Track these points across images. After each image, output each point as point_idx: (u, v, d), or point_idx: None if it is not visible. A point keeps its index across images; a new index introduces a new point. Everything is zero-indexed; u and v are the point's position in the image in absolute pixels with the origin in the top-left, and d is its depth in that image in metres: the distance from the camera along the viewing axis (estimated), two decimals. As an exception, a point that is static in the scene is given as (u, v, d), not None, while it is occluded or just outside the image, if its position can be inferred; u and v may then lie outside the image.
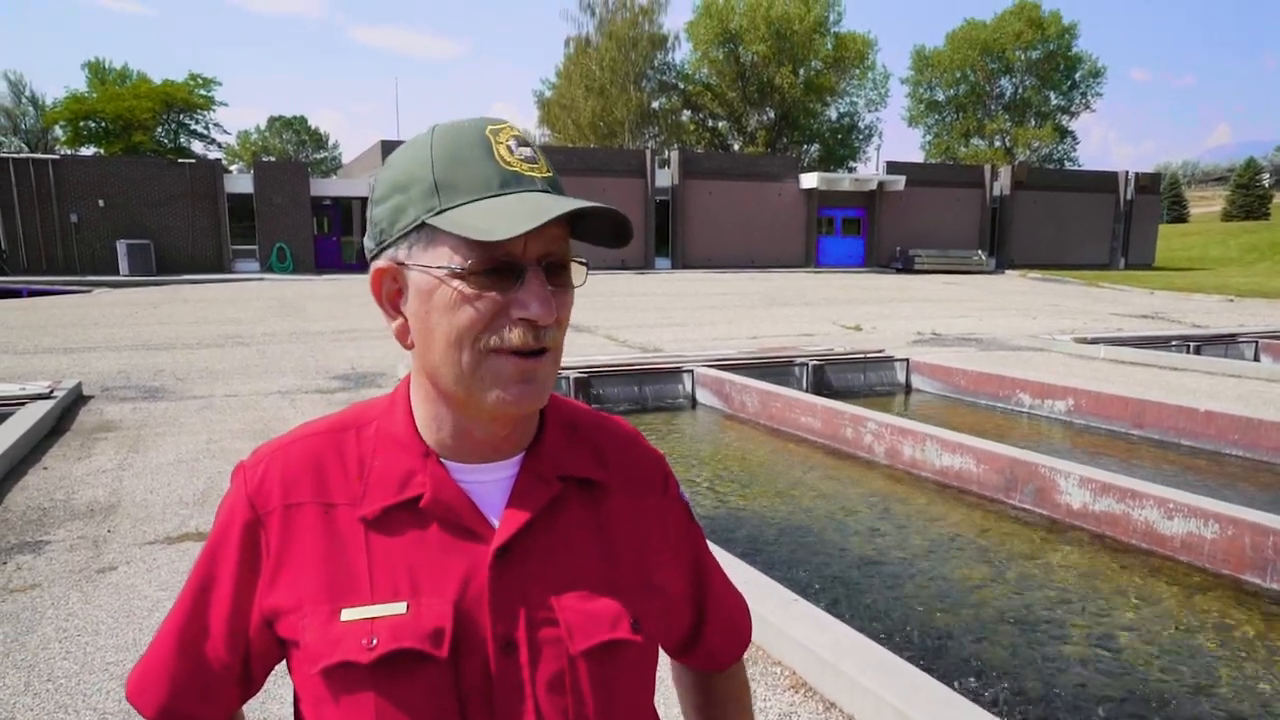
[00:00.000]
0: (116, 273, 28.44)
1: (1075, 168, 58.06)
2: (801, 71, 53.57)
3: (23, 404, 7.50)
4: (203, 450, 6.58)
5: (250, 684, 0.94)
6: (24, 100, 68.43)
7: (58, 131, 59.36)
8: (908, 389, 10.34)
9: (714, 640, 1.09)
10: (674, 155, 35.89)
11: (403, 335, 0.86)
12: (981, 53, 58.40)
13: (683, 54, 69.73)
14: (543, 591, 0.86)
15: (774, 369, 9.90)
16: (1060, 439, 8.07)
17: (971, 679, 3.68)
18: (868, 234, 37.67)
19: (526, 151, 0.84)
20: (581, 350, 11.71)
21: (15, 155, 30.26)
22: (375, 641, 0.81)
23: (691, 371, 9.60)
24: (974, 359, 11.10)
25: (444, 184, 0.80)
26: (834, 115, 58.63)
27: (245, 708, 1.02)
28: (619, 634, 0.87)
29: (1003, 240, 39.04)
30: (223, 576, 0.89)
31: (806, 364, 10.04)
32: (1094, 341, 12.53)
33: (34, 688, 3.20)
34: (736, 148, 56.33)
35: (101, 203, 29.18)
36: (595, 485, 0.93)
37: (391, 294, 0.85)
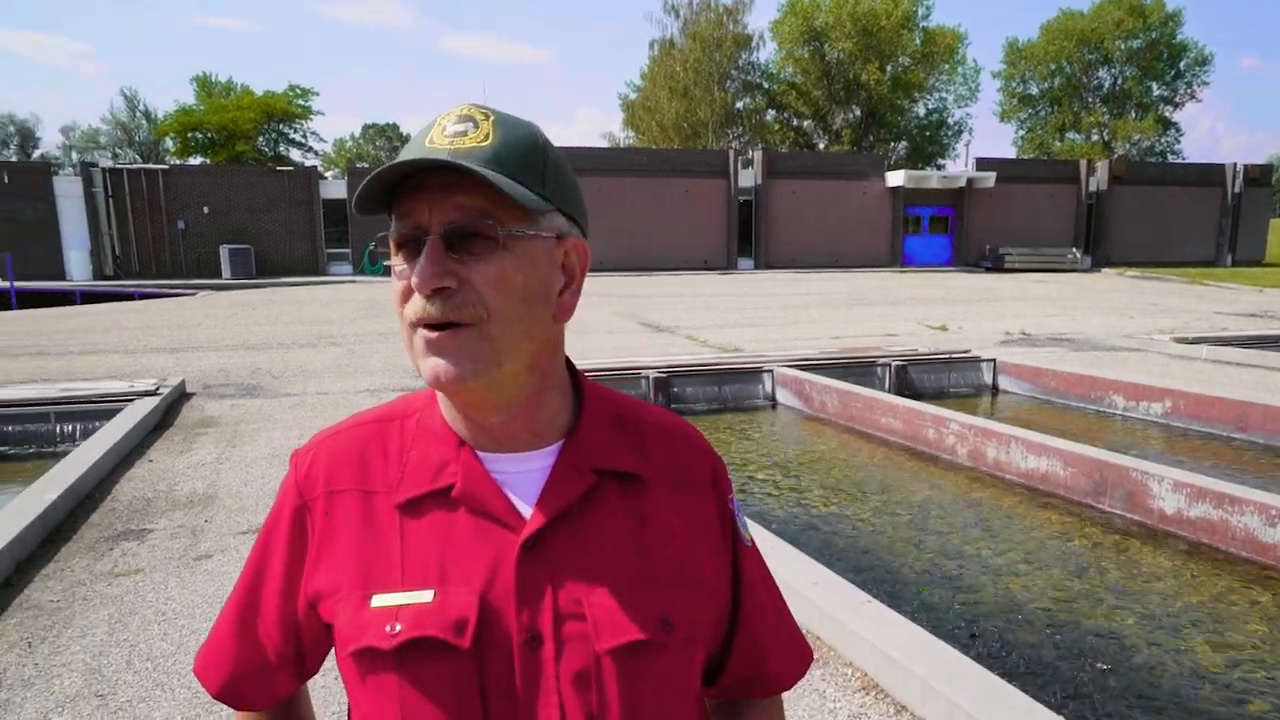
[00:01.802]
0: (219, 276, 29.67)
1: (1179, 161, 55.67)
2: (889, 68, 52.60)
3: (131, 400, 7.90)
4: (294, 445, 6.81)
5: (305, 665, 0.97)
6: (138, 114, 71.87)
7: (168, 143, 62.19)
8: (994, 390, 10.09)
9: (735, 670, 1.00)
10: (757, 155, 35.67)
11: None
12: (1078, 43, 56.42)
13: (767, 53, 69.29)
14: (571, 585, 0.84)
15: (855, 369, 9.77)
16: (1156, 442, 7.78)
17: (1055, 688, 3.60)
18: (955, 232, 36.81)
19: (458, 128, 0.82)
20: (662, 350, 11.75)
21: (129, 166, 31.84)
22: (398, 628, 0.82)
23: (771, 371, 9.55)
24: (1065, 359, 10.77)
25: (382, 163, 0.83)
26: (922, 112, 57.39)
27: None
28: (647, 634, 0.84)
29: (1099, 237, 37.70)
30: (274, 560, 0.93)
31: (889, 364, 9.89)
32: (1195, 341, 12.02)
33: (134, 665, 3.39)
34: (821, 147, 55.64)
35: (206, 210, 30.48)
36: (635, 479, 0.90)
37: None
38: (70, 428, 7.59)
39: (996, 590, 4.58)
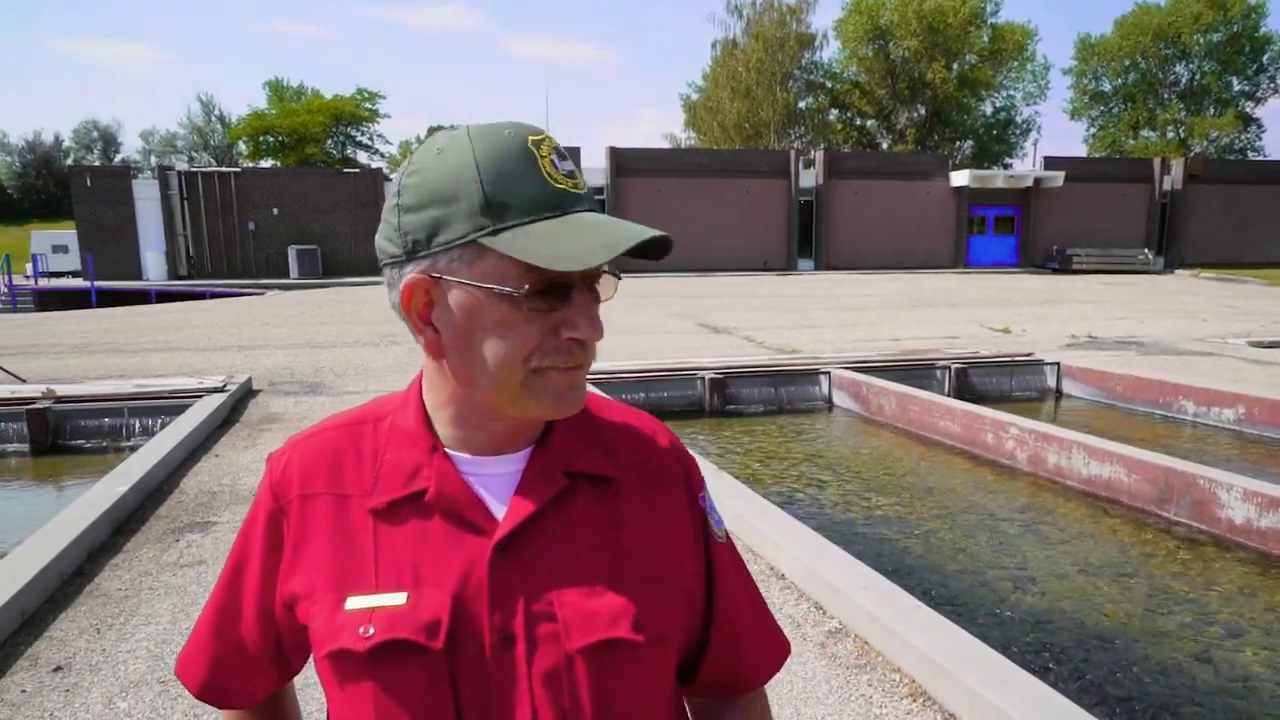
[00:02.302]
0: (287, 276, 30.41)
1: (1261, 158, 53.73)
2: (955, 66, 51.74)
3: (199, 397, 8.15)
4: (354, 442, 6.98)
5: (286, 665, 0.99)
6: (213, 119, 74.10)
7: (241, 146, 63.95)
8: (1058, 394, 9.87)
9: (711, 669, 1.00)
10: (819, 155, 35.38)
11: (435, 350, 0.86)
12: (1154, 38, 54.80)
13: (830, 53, 68.59)
14: (543, 586, 0.85)
15: (914, 372, 9.64)
16: (1227, 450, 7.53)
17: (1110, 700, 3.52)
18: (1022, 233, 36.06)
19: (568, 166, 0.84)
20: (718, 351, 11.73)
21: (203, 169, 32.83)
22: (371, 631, 0.83)
23: (829, 373, 9.48)
24: (1133, 363, 10.48)
25: (495, 201, 0.79)
26: (989, 110, 56.35)
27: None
28: (617, 633, 0.85)
29: (1173, 238, 36.62)
30: (251, 562, 0.94)
31: (948, 367, 9.74)
32: (1272, 345, 11.61)
33: (195, 654, 3.50)
34: (885, 146, 54.95)
35: (275, 211, 31.29)
36: (607, 481, 0.92)
37: (421, 306, 0.84)
38: (142, 423, 7.85)
39: (1051, 598, 4.49)
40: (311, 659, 0.92)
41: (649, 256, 0.84)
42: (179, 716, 3.04)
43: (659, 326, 15.20)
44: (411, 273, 0.82)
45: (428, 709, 0.83)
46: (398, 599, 0.84)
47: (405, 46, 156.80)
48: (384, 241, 0.85)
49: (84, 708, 3.09)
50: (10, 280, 26.50)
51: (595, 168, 33.04)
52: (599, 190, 33.02)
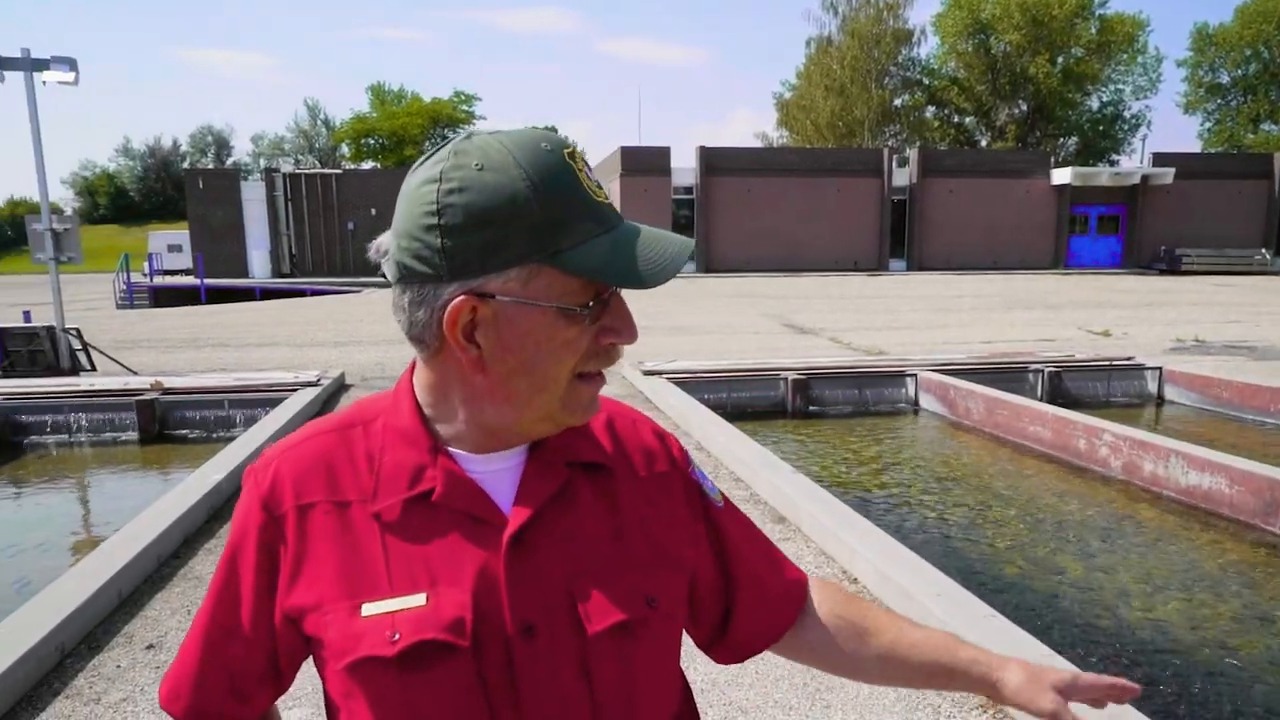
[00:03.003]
0: (384, 275, 31.28)
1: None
2: (1060, 59, 50.02)
3: (295, 390, 8.46)
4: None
5: (279, 682, 0.96)
6: (318, 122, 76.78)
7: (343, 148, 66.11)
8: (1159, 400, 9.45)
9: (744, 626, 1.05)
10: (913, 153, 34.67)
11: (476, 366, 0.83)
12: (1279, 26, 51.99)
13: (928, 48, 67.05)
14: (558, 576, 0.87)
15: (1005, 375, 9.37)
16: (1342, 462, 7.10)
17: None
18: (1126, 232, 34.64)
19: (594, 177, 0.84)
20: (803, 352, 11.62)
21: (307, 171, 34.09)
22: (398, 635, 0.82)
23: (915, 375, 9.28)
24: (1243, 369, 9.97)
25: (555, 222, 0.78)
26: (1095, 105, 54.28)
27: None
28: (633, 612, 0.88)
29: (1294, 237, 34.65)
30: (244, 580, 0.91)
31: (1041, 370, 9.43)
32: (1399, 352, 10.90)
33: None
34: (984, 144, 53.49)
35: (374, 211, 32.27)
36: (602, 469, 0.94)
37: (465, 324, 0.81)
38: (242, 414, 8.19)
39: (1140, 614, 4.31)
40: (314, 673, 0.91)
41: None
42: (259, 696, 3.17)
43: (745, 327, 15.12)
44: (456, 293, 0.80)
45: (461, 708, 0.84)
46: (417, 600, 0.84)
47: (502, 49, 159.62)
48: (411, 260, 0.81)
49: (172, 684, 3.25)
50: (129, 278, 27.94)
51: (685, 167, 33.03)
52: (688, 189, 33.00)
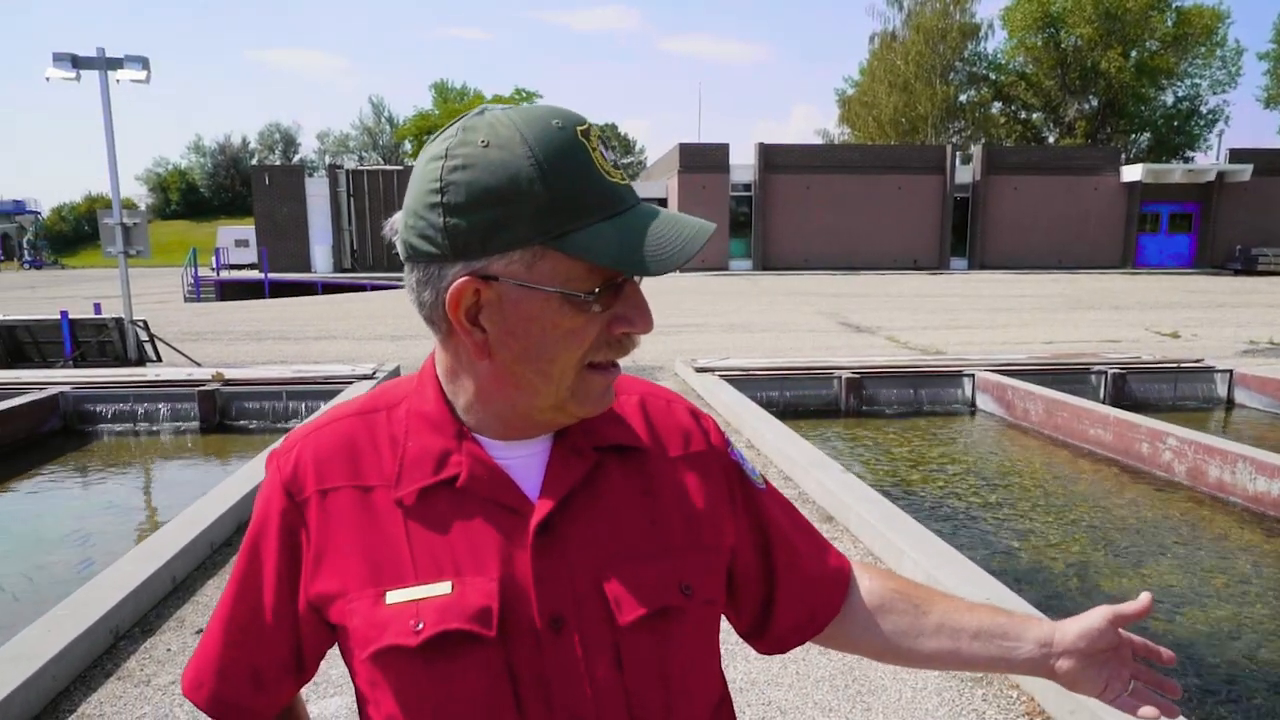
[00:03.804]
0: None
1: None
2: (1133, 53, 48.60)
3: (351, 383, 8.61)
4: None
5: (303, 670, 0.94)
6: (383, 120, 78.08)
7: (406, 145, 67.12)
8: (1229, 404, 9.13)
9: (787, 615, 1.00)
10: (977, 150, 34.03)
11: (481, 350, 0.81)
12: (1364, 19, 49.86)
13: (995, 43, 65.78)
14: (587, 564, 0.84)
15: (1066, 377, 9.13)
16: None
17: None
18: (1200, 231, 33.56)
19: (613, 155, 0.80)
20: (859, 351, 11.47)
21: (369, 168, 34.66)
22: (422, 625, 0.80)
23: (972, 376, 9.10)
24: (1319, 373, 9.58)
25: (560, 203, 0.74)
26: (1170, 100, 52.63)
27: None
28: (667, 601, 0.85)
29: (1381, 237, 33.23)
30: (266, 567, 0.89)
31: (1105, 372, 9.16)
32: None
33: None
34: (1051, 140, 52.25)
35: (433, 207, 32.69)
36: (635, 451, 0.91)
37: (469, 307, 0.79)
38: (300, 405, 8.36)
39: (1202, 623, 4.16)
40: (341, 661, 0.89)
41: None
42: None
43: (800, 324, 14.98)
44: (459, 274, 0.77)
45: (487, 700, 0.81)
46: (442, 589, 0.81)
47: (564, 47, 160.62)
48: (417, 239, 0.79)
49: (219, 668, 3.32)
50: (196, 272, 28.71)
51: (744, 164, 32.86)
52: (747, 186, 32.82)
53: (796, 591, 1.00)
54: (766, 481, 1.02)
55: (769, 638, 1.03)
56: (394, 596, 0.82)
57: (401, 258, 0.83)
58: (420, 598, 0.81)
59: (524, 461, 0.87)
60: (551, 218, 0.75)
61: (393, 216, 0.85)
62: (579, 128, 0.77)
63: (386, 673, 0.82)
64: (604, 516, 0.86)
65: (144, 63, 11.73)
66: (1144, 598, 0.97)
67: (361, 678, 0.86)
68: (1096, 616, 0.96)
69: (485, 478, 0.84)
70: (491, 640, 0.80)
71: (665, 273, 0.75)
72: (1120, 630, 0.97)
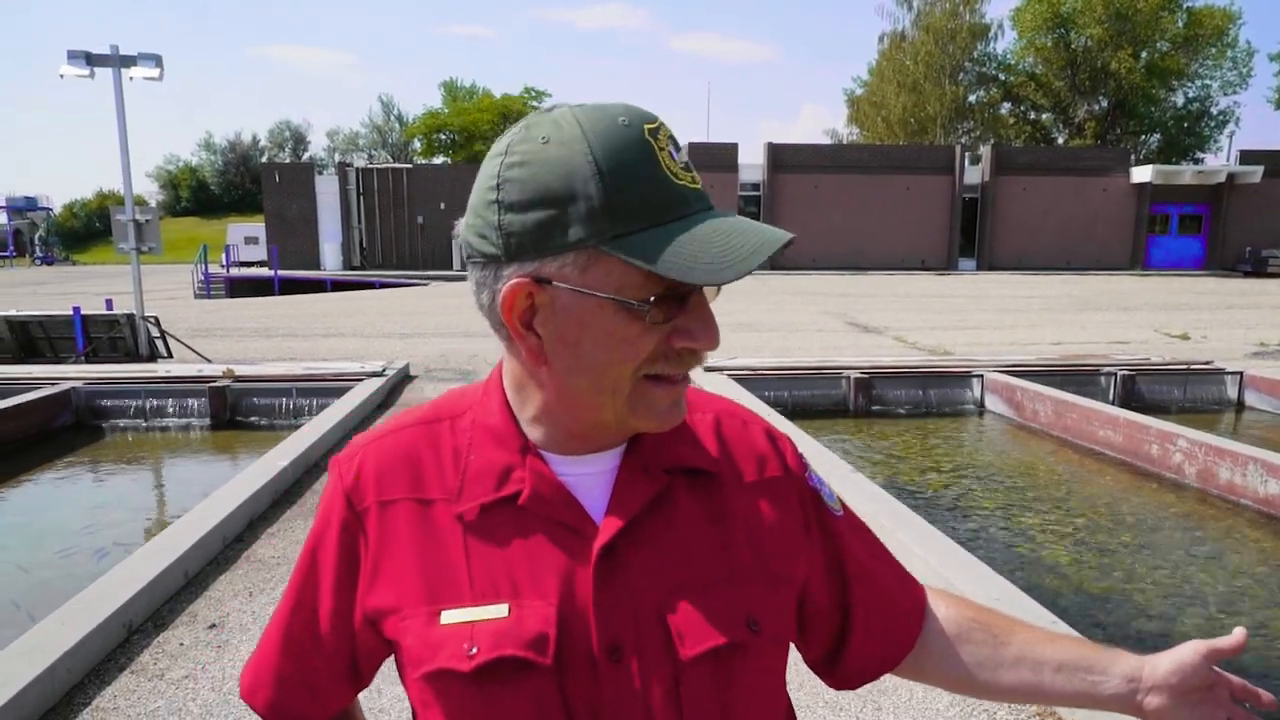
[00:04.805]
0: (451, 268, 31.72)
1: None
2: (1143, 54, 48.40)
3: (360, 380, 8.63)
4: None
5: (359, 680, 0.92)
6: (392, 118, 78.15)
7: (415, 144, 67.23)
8: (1239, 406, 9.11)
9: (862, 650, 0.94)
10: (986, 150, 33.97)
11: (537, 357, 0.78)
12: (1376, 20, 49.57)
13: (1005, 43, 65.60)
14: (651, 592, 0.80)
15: (1075, 378, 9.11)
16: None
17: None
18: (1210, 232, 33.45)
19: (684, 157, 0.76)
20: (867, 351, 11.46)
21: (378, 166, 34.77)
22: (475, 649, 0.77)
23: (981, 376, 9.09)
24: (1330, 376, 9.54)
25: (617, 204, 0.70)
26: (1180, 101, 52.42)
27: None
28: (734, 636, 0.80)
29: (1393, 239, 33.06)
30: (324, 576, 0.87)
31: (1114, 373, 9.15)
32: None
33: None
34: (1060, 141, 52.08)
35: (442, 205, 32.74)
36: (706, 475, 0.86)
37: (522, 311, 0.76)
38: (309, 402, 8.38)
39: (1211, 627, 4.16)
40: (397, 674, 0.87)
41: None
42: (314, 677, 3.24)
43: (808, 324, 14.98)
44: (513, 275, 0.74)
45: None
46: (498, 611, 0.78)
47: (572, 45, 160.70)
48: (475, 238, 0.77)
49: (232, 664, 3.34)
50: (206, 269, 28.80)
51: (752, 164, 32.87)
52: (755, 186, 32.81)
53: (873, 625, 0.94)
54: (844, 506, 0.97)
55: (840, 673, 0.97)
56: (449, 616, 0.79)
57: (464, 258, 0.81)
58: (476, 619, 0.78)
59: (590, 480, 0.83)
60: (607, 219, 0.71)
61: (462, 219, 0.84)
62: (647, 126, 0.74)
63: (438, 695, 0.80)
64: (670, 542, 0.82)
65: (157, 60, 11.79)
66: (1238, 632, 0.91)
67: (414, 695, 0.84)
68: (1189, 651, 0.90)
69: (548, 496, 0.81)
70: (547, 668, 0.77)
71: (723, 283, 0.71)
72: (1215, 668, 0.90)
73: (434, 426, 0.87)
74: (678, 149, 0.75)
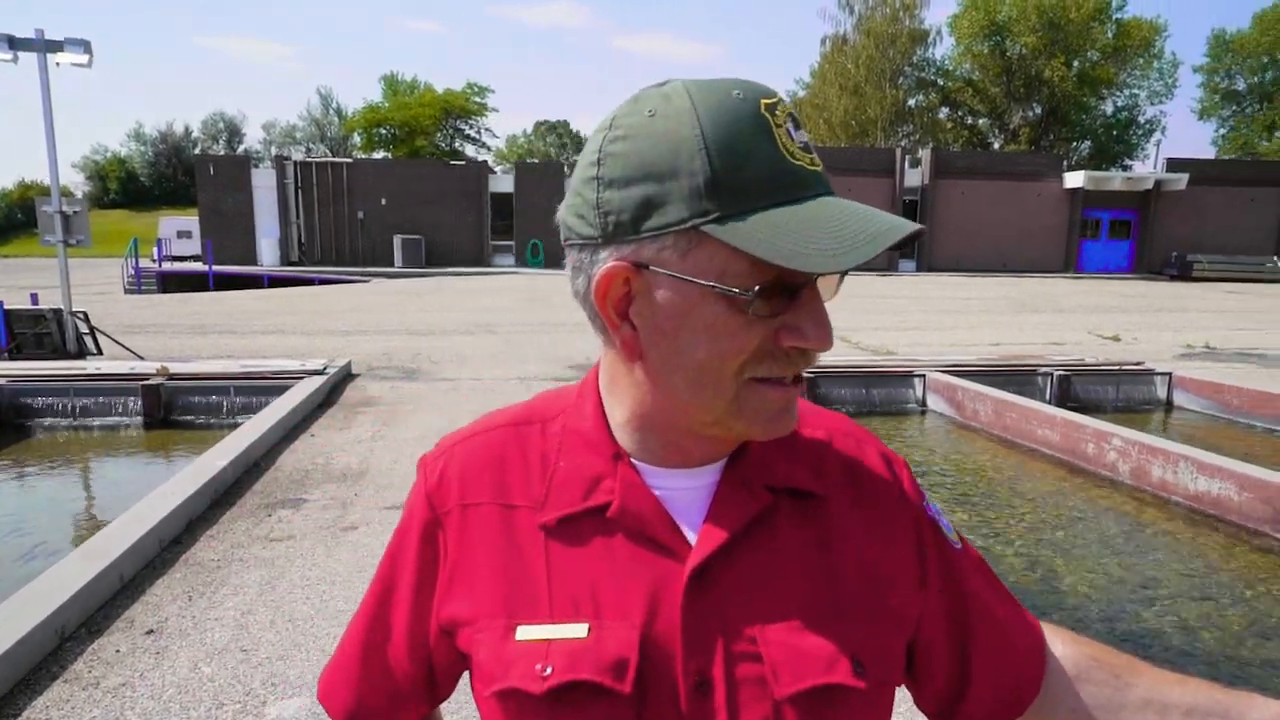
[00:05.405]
0: (392, 265, 31.32)
1: None
2: (1075, 63, 49.76)
3: (300, 378, 8.45)
4: (444, 428, 7.13)
5: (438, 691, 0.87)
6: (331, 111, 76.88)
7: (355, 138, 66.16)
8: (1168, 406, 9.40)
9: (984, 697, 0.84)
10: (926, 154, 34.58)
11: (632, 350, 0.72)
12: (1296, 35, 51.62)
13: (943, 49, 66.83)
14: (745, 621, 0.73)
15: (1014, 378, 9.31)
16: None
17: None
18: (1138, 237, 34.52)
19: (804, 137, 0.69)
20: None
21: (317, 159, 34.06)
22: (549, 670, 0.72)
23: (923, 376, 9.24)
24: (1252, 376, 9.90)
25: (725, 182, 0.64)
26: (1110, 109, 54.01)
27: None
28: (836, 678, 0.72)
29: (1308, 246, 34.46)
30: (403, 580, 0.84)
31: (1051, 374, 9.37)
32: None
33: (277, 625, 3.63)
34: (997, 146, 53.27)
35: (383, 201, 32.26)
36: (813, 498, 0.79)
37: (618, 299, 0.71)
38: (247, 401, 8.19)
39: (1144, 620, 4.27)
40: (469, 686, 0.82)
41: (892, 248, 0.69)
42: (258, 684, 3.15)
43: (752, 324, 15.08)
44: (610, 259, 0.69)
45: None
46: (577, 631, 0.73)
47: (517, 42, 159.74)
48: (574, 219, 0.72)
49: (171, 670, 3.23)
50: (136, 263, 27.99)
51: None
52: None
53: (995, 669, 0.84)
54: (962, 539, 0.88)
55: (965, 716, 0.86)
56: (524, 632, 0.74)
57: (562, 241, 0.75)
58: (552, 638, 0.73)
59: (686, 494, 0.77)
60: (713, 198, 0.65)
61: None
62: (764, 100, 0.68)
63: (508, 715, 0.75)
64: (770, 568, 0.75)
65: (85, 46, 11.42)
66: None
67: (484, 713, 0.79)
68: None
69: (639, 509, 0.75)
70: (625, 697, 0.71)
71: (835, 271, 0.64)
72: None
73: (524, 429, 0.83)
74: (797, 127, 0.69)
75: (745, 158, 0.65)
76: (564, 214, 0.74)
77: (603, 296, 0.70)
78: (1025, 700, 0.85)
